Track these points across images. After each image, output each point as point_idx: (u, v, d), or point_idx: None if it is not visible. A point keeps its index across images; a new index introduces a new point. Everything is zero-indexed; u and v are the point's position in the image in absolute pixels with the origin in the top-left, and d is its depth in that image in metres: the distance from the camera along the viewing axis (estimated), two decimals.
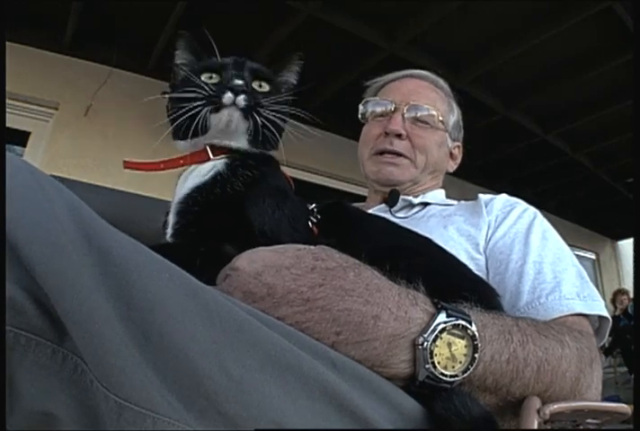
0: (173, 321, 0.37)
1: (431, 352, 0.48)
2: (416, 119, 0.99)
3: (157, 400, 0.34)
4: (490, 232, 0.83)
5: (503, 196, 0.91)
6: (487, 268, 0.79)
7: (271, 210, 0.63)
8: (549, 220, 0.86)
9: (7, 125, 2.68)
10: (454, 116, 1.06)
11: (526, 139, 4.09)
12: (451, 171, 1.10)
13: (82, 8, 2.65)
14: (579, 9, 2.58)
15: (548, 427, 0.51)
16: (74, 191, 0.40)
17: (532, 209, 0.87)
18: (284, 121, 0.69)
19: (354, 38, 2.85)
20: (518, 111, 3.71)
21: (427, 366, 0.47)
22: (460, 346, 0.49)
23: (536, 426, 0.49)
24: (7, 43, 2.48)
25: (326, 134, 3.43)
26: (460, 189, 3.38)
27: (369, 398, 0.44)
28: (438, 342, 0.48)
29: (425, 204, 0.98)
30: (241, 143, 0.67)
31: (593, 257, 6.61)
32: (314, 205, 0.72)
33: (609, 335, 0.77)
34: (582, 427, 0.57)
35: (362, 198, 1.11)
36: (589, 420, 0.57)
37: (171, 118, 0.67)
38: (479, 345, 0.50)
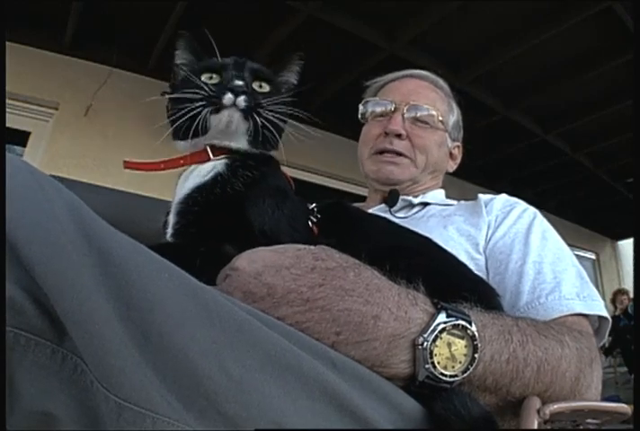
0: (173, 321, 0.37)
1: (431, 352, 0.48)
2: (416, 119, 0.99)
3: (157, 400, 0.34)
4: (490, 232, 0.83)
5: (503, 196, 0.91)
6: (487, 268, 0.79)
7: (270, 210, 0.63)
8: (549, 220, 0.86)
9: (7, 125, 2.68)
10: (454, 116, 1.06)
11: (526, 139, 4.09)
12: (451, 171, 1.10)
13: (82, 8, 2.65)
14: (579, 9, 2.58)
15: (548, 427, 0.51)
16: (74, 191, 0.40)
17: (532, 209, 0.87)
18: (284, 122, 0.69)
19: (354, 38, 2.85)
20: (518, 111, 3.71)
21: (427, 366, 0.47)
22: (460, 346, 0.49)
23: (536, 426, 0.49)
24: (7, 43, 2.48)
25: (326, 134, 3.43)
26: (460, 189, 3.38)
27: (369, 398, 0.45)
28: (438, 342, 0.48)
29: (425, 204, 0.98)
30: (241, 143, 0.67)
31: (593, 257, 6.61)
32: (314, 204, 0.72)
33: (609, 335, 0.77)
34: (582, 427, 0.57)
35: (362, 198, 1.11)
36: (589, 420, 0.57)
37: (171, 118, 0.67)
38: (479, 345, 0.50)
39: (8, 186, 0.35)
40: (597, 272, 6.55)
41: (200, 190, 0.64)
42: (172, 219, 0.64)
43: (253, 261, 0.52)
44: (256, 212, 0.62)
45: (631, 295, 5.77)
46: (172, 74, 0.73)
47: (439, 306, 0.51)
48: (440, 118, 1.00)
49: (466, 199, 0.97)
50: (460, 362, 0.49)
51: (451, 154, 1.08)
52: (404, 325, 0.48)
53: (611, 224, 6.34)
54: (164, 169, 0.69)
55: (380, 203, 1.00)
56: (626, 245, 6.92)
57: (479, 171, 4.55)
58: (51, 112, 2.99)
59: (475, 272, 0.72)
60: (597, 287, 0.77)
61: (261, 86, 0.68)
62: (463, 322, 0.50)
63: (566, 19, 2.65)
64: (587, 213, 5.95)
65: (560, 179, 4.96)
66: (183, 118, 0.63)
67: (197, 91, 0.64)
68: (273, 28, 2.82)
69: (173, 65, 0.72)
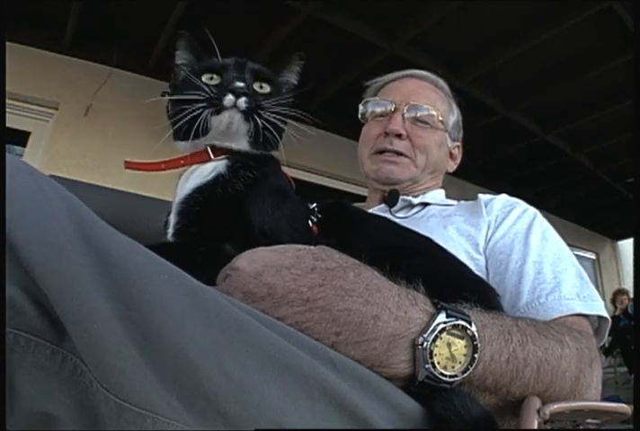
0: (173, 322, 0.37)
1: (431, 352, 0.48)
2: (416, 119, 0.99)
3: (157, 401, 0.34)
4: (490, 232, 0.83)
5: (503, 196, 0.91)
6: (487, 269, 0.79)
7: (271, 210, 0.63)
8: (549, 220, 0.86)
9: (7, 125, 2.68)
10: (454, 116, 1.06)
11: (526, 139, 4.09)
12: (451, 171, 1.10)
13: (82, 8, 2.65)
14: (579, 9, 2.58)
15: (548, 427, 0.51)
16: (74, 191, 0.40)
17: (532, 209, 0.87)
18: (284, 123, 0.69)
19: (354, 38, 2.85)
20: (518, 111, 3.71)
21: (427, 366, 0.47)
22: (460, 346, 0.49)
23: (536, 426, 0.49)
24: (7, 43, 2.48)
25: (326, 134, 3.43)
26: (460, 189, 3.38)
27: (369, 398, 0.45)
28: (437, 342, 0.48)
29: (425, 204, 0.98)
30: (242, 144, 0.67)
31: (593, 257, 6.61)
32: (314, 204, 0.72)
33: (609, 335, 0.77)
34: (582, 427, 0.57)
35: (362, 198, 1.11)
36: (589, 420, 0.57)
37: (172, 120, 0.67)
38: (479, 345, 0.50)
39: (7, 186, 0.35)
40: (597, 272, 6.56)
41: (201, 190, 0.64)
42: (172, 219, 0.64)
43: (253, 261, 0.52)
44: (256, 212, 0.62)
45: (631, 295, 5.77)
46: (172, 75, 0.73)
47: (438, 306, 0.51)
48: (440, 118, 1.00)
49: (466, 199, 0.97)
50: (460, 362, 0.49)
51: (451, 154, 1.08)
52: (404, 325, 0.48)
53: (611, 224, 6.34)
54: (164, 169, 0.69)
55: (380, 203, 1.00)
56: (626, 245, 6.93)
57: (479, 171, 4.55)
58: (51, 112, 2.99)
59: (475, 272, 0.72)
60: (597, 287, 0.77)
61: (261, 87, 0.68)
62: (463, 322, 0.50)
63: (566, 19, 2.65)
64: (587, 213, 5.95)
65: (560, 179, 4.96)
66: (184, 120, 0.63)
67: (198, 92, 0.64)
68: (273, 28, 2.82)
69: (173, 65, 0.72)
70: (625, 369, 5.48)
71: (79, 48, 3.00)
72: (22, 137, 2.91)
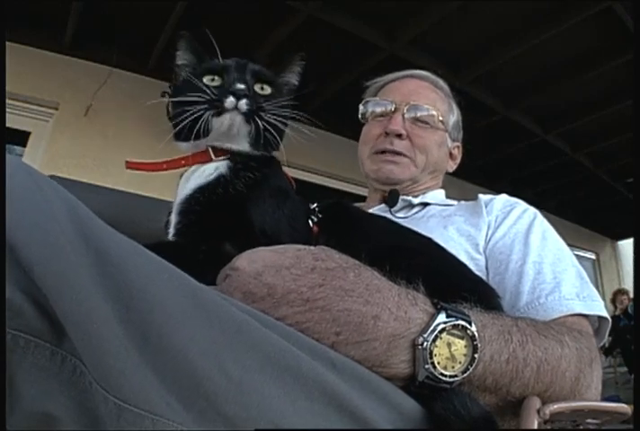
0: (172, 322, 0.37)
1: (431, 352, 0.48)
2: (416, 119, 0.99)
3: (156, 402, 0.34)
4: (490, 232, 0.83)
5: (503, 196, 0.91)
6: (487, 269, 0.79)
7: (271, 210, 0.63)
8: (549, 220, 0.86)
9: (7, 125, 2.68)
10: (454, 116, 1.06)
11: (526, 139, 4.09)
12: (451, 171, 1.10)
13: (82, 8, 2.65)
14: (579, 9, 2.58)
15: (548, 427, 0.51)
16: (74, 191, 0.39)
17: (532, 209, 0.87)
18: (285, 125, 0.69)
19: (354, 38, 2.85)
20: (518, 111, 3.71)
21: (427, 366, 0.47)
22: (460, 346, 0.49)
23: (536, 426, 0.49)
24: (7, 43, 2.48)
25: (326, 134, 3.43)
26: (460, 189, 3.38)
27: (369, 398, 0.45)
28: (437, 342, 0.48)
29: (425, 204, 0.98)
30: (242, 145, 0.67)
31: (593, 257, 6.61)
32: (315, 204, 0.72)
33: (609, 335, 0.77)
34: (582, 427, 0.57)
35: (362, 198, 1.11)
36: (589, 420, 0.57)
37: (173, 122, 0.67)
38: (479, 345, 0.50)
39: (6, 187, 0.35)
40: (597, 272, 6.56)
41: (202, 190, 0.64)
42: (174, 219, 0.65)
43: (253, 261, 0.52)
44: (257, 212, 0.62)
45: (631, 295, 5.77)
46: (173, 75, 0.73)
47: (438, 306, 0.51)
48: (441, 119, 1.00)
49: (466, 199, 0.97)
50: (460, 362, 0.49)
51: (451, 154, 1.08)
52: (404, 325, 0.48)
53: (611, 224, 6.34)
54: (166, 169, 0.69)
55: (380, 203, 1.00)
56: (626, 245, 6.93)
57: (479, 171, 4.55)
58: (51, 112, 2.99)
59: (475, 272, 0.72)
60: (597, 287, 0.77)
61: (262, 88, 0.68)
62: (463, 322, 0.50)
63: (566, 19, 2.65)
64: (587, 213, 5.95)
65: (560, 179, 4.96)
66: (185, 121, 0.64)
67: (199, 94, 0.64)
68: (273, 28, 2.82)
69: (174, 65, 0.72)
70: (625, 369, 5.48)
71: (79, 48, 3.00)
72: (22, 137, 2.91)
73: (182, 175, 0.70)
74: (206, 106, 0.64)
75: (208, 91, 0.64)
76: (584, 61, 3.07)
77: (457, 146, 1.10)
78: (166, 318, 0.36)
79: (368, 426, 0.43)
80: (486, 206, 0.87)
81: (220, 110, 0.64)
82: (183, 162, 0.69)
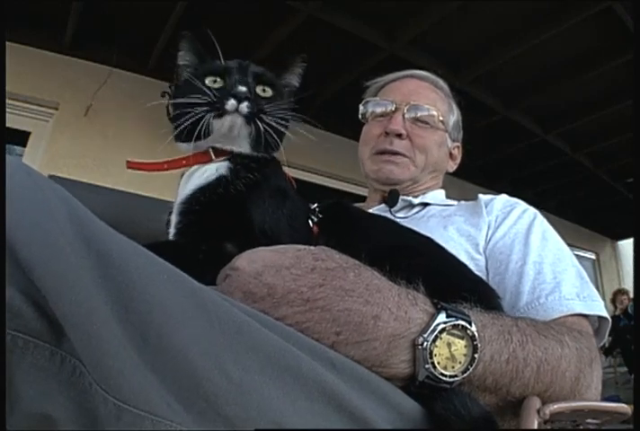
0: (172, 323, 0.36)
1: (431, 352, 0.48)
2: (416, 119, 0.99)
3: (156, 402, 0.34)
4: (490, 232, 0.83)
5: (503, 196, 0.91)
6: (487, 269, 0.79)
7: (271, 210, 0.64)
8: (549, 220, 0.86)
9: (7, 125, 2.68)
10: (454, 116, 1.06)
11: (526, 139, 4.09)
12: (451, 171, 1.10)
13: (82, 8, 2.65)
14: (579, 9, 2.58)
15: (548, 427, 0.51)
16: (74, 191, 0.39)
17: (532, 210, 0.87)
18: (286, 127, 0.69)
19: (354, 38, 2.85)
20: (518, 111, 3.71)
21: (427, 366, 0.47)
22: (460, 346, 0.49)
23: (536, 426, 0.49)
24: (7, 43, 2.48)
25: (326, 134, 3.43)
26: (460, 189, 3.38)
27: (368, 398, 0.45)
28: (437, 342, 0.48)
29: (425, 204, 0.98)
30: (243, 147, 0.68)
31: (593, 257, 6.61)
32: (315, 204, 0.72)
33: (609, 335, 0.77)
34: (582, 427, 0.57)
35: (362, 198, 1.11)
36: (589, 420, 0.57)
37: (175, 124, 0.67)
38: (479, 345, 0.50)
39: (6, 187, 0.35)
40: (597, 272, 6.55)
41: (203, 191, 0.64)
42: (174, 219, 0.65)
43: (253, 261, 0.52)
44: (257, 212, 0.63)
45: (631, 295, 5.77)
46: (174, 75, 0.73)
47: (439, 306, 0.51)
48: (441, 119, 1.00)
49: (466, 199, 0.97)
50: (460, 362, 0.49)
51: (451, 155, 1.08)
52: (404, 325, 0.48)
53: (611, 224, 6.34)
54: (167, 169, 0.69)
55: (380, 203, 1.00)
56: (626, 245, 6.92)
57: (479, 171, 4.55)
58: (51, 112, 2.99)
59: (475, 272, 0.72)
60: (597, 287, 0.77)
61: (264, 90, 0.68)
62: (463, 322, 0.50)
63: (566, 19, 2.65)
64: (587, 213, 5.95)
65: (560, 179, 4.96)
66: (186, 123, 0.64)
67: (200, 96, 0.64)
68: (273, 28, 2.82)
69: (175, 65, 0.72)
70: (625, 369, 5.48)
71: (79, 48, 3.00)
72: (22, 137, 2.91)
73: (182, 175, 0.70)
74: (207, 108, 0.64)
75: (209, 92, 0.64)
76: (584, 61, 3.07)
77: (458, 146, 1.10)
78: (166, 318, 0.36)
79: (368, 426, 0.43)
80: (486, 207, 0.87)
81: (221, 113, 0.64)
82: (184, 162, 0.69)
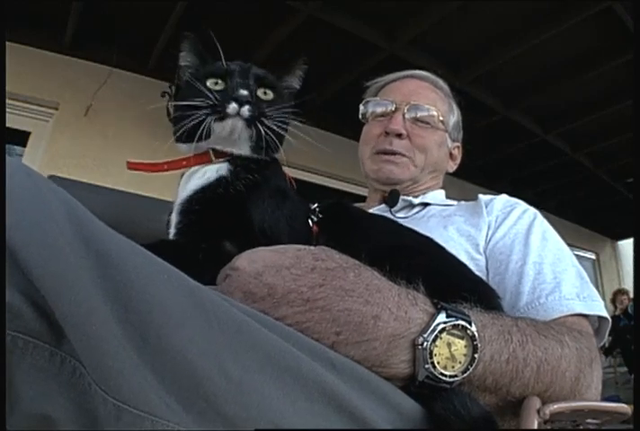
0: (172, 323, 0.36)
1: (431, 352, 0.48)
2: (417, 119, 0.99)
3: (156, 403, 0.34)
4: (490, 232, 0.83)
5: (503, 196, 0.91)
6: (487, 269, 0.79)
7: (270, 210, 0.64)
8: (549, 220, 0.86)
9: (7, 125, 2.68)
10: (454, 116, 1.06)
11: (526, 139, 4.09)
12: (451, 171, 1.10)
13: (82, 8, 2.65)
14: (579, 9, 2.58)
15: (548, 427, 0.51)
16: (74, 191, 0.39)
17: (532, 210, 0.87)
18: (286, 130, 0.69)
19: (354, 38, 2.85)
20: (518, 111, 3.71)
21: (427, 366, 0.47)
22: (460, 346, 0.49)
23: (536, 426, 0.49)
24: (7, 43, 2.48)
25: (326, 134, 3.43)
26: (460, 189, 3.38)
27: (368, 398, 0.44)
28: (437, 342, 0.48)
29: (425, 204, 0.98)
30: (243, 149, 0.68)
31: (593, 257, 6.61)
32: (315, 204, 0.73)
33: (609, 335, 0.77)
34: (582, 427, 0.57)
35: (362, 198, 1.11)
36: (589, 420, 0.57)
37: (176, 126, 0.67)
38: (479, 345, 0.50)
39: (6, 188, 0.35)
40: (597, 272, 6.56)
41: (203, 191, 0.64)
42: (174, 218, 0.65)
43: (253, 261, 0.52)
44: (257, 211, 0.63)
45: (631, 295, 5.77)
46: (175, 76, 0.73)
47: (439, 306, 0.51)
48: (441, 119, 1.00)
49: (466, 199, 0.97)
50: (460, 362, 0.49)
51: (451, 155, 1.08)
52: (404, 325, 0.48)
53: (611, 224, 6.34)
54: (167, 170, 0.70)
55: (380, 203, 1.00)
56: (626, 245, 6.93)
57: (479, 171, 4.55)
58: (51, 112, 2.99)
59: (476, 272, 0.72)
60: (597, 287, 0.77)
61: (265, 93, 0.68)
62: (463, 322, 0.50)
63: (566, 19, 2.65)
64: (587, 213, 5.95)
65: (560, 179, 4.96)
66: (187, 125, 0.64)
67: (201, 98, 0.64)
68: (273, 28, 2.82)
69: (177, 66, 0.72)
70: (625, 369, 5.48)
71: (79, 48, 3.00)
72: (22, 137, 2.91)
73: (182, 176, 0.70)
74: (208, 111, 0.64)
75: (210, 95, 0.64)
76: (584, 61, 3.07)
77: (458, 146, 1.10)
78: (166, 318, 0.36)
79: (368, 426, 0.43)
80: (486, 207, 0.87)
81: (223, 116, 0.64)
82: (184, 163, 0.69)
